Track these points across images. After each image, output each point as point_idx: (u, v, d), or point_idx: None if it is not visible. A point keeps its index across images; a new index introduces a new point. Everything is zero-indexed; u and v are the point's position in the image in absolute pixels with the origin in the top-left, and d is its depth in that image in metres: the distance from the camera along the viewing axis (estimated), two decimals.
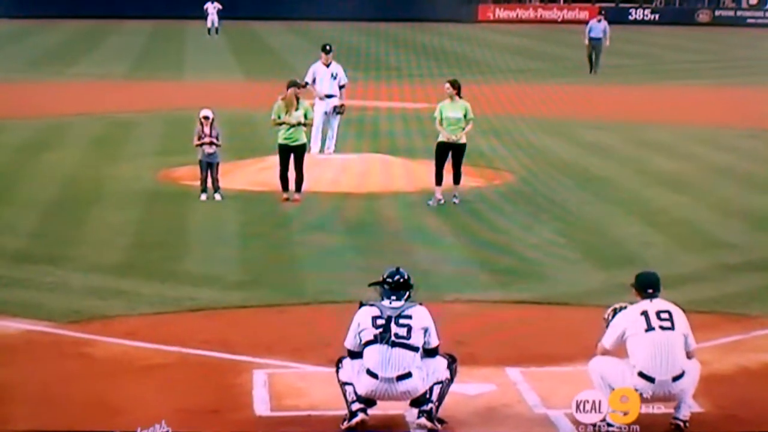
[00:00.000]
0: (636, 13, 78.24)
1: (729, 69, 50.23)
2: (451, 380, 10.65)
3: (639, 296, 10.95)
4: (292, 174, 20.72)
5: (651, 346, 10.56)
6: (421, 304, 10.57)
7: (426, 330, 10.42)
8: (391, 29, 67.04)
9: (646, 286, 10.98)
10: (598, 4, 71.31)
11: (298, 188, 20.72)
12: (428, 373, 10.48)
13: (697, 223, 20.01)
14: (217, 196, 20.98)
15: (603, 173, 24.71)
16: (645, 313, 10.71)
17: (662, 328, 10.61)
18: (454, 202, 20.47)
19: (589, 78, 45.00)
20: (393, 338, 10.28)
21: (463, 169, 20.87)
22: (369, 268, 16.73)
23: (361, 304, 10.58)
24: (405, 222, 19.79)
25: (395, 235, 18.75)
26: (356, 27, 66.37)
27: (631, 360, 10.67)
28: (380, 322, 10.32)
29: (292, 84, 20.84)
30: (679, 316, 10.77)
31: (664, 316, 10.71)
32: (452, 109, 20.47)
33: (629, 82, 44.33)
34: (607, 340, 10.86)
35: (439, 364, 10.58)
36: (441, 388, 10.52)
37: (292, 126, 20.54)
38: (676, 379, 10.57)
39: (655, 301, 10.85)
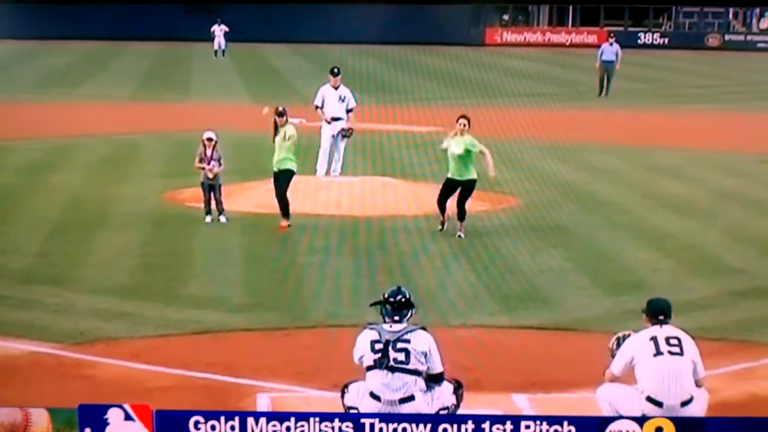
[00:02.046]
0: (645, 37, 78.31)
1: (739, 94, 50.22)
2: (457, 406, 10.63)
3: (649, 322, 10.91)
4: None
5: (659, 371, 10.52)
6: (423, 328, 10.51)
7: (426, 355, 10.34)
8: (398, 52, 67.09)
9: (657, 312, 10.96)
10: (606, 28, 71.37)
11: (285, 214, 20.50)
12: (433, 397, 10.46)
13: (705, 249, 19.99)
14: (222, 219, 21.01)
15: (611, 198, 24.71)
16: (654, 339, 10.69)
17: (671, 353, 10.57)
18: (459, 236, 20.03)
19: (596, 102, 45.03)
20: (392, 363, 10.23)
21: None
22: (374, 291, 16.75)
23: (365, 326, 10.56)
24: (410, 245, 19.78)
25: (400, 259, 18.75)
26: (363, 50, 66.43)
27: (639, 385, 10.64)
28: (378, 347, 10.27)
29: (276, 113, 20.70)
30: (688, 343, 10.74)
31: (674, 342, 10.68)
32: (456, 145, 19.92)
33: (638, 106, 44.34)
34: (616, 366, 10.84)
35: (445, 389, 10.56)
36: (447, 414, 10.50)
37: (281, 152, 20.43)
38: (684, 404, 10.51)
39: (665, 327, 10.82)
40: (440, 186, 20.42)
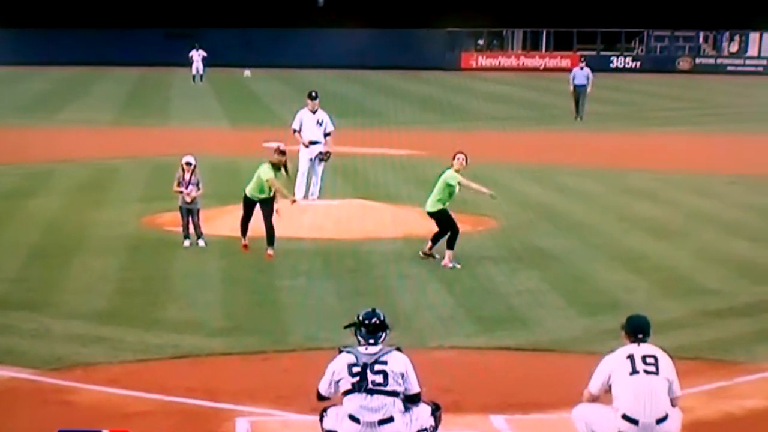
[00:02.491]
0: (617, 61, 78.69)
1: (710, 116, 50.44)
2: (435, 427, 10.53)
3: (628, 339, 10.85)
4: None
5: (634, 390, 10.46)
6: (399, 348, 10.39)
7: (403, 375, 10.23)
8: (375, 77, 67.25)
9: (637, 330, 10.91)
10: (579, 53, 71.69)
11: (271, 243, 20.18)
12: (412, 419, 10.35)
13: (679, 269, 19.97)
14: (201, 243, 20.88)
15: (586, 220, 24.69)
16: (631, 357, 10.63)
17: (646, 372, 10.52)
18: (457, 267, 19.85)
19: (571, 125, 45.12)
20: (370, 386, 10.11)
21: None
22: (353, 315, 16.65)
23: (340, 350, 10.42)
24: (389, 268, 19.69)
25: (379, 281, 18.66)
26: (341, 74, 66.55)
27: (614, 403, 10.56)
28: (356, 370, 10.14)
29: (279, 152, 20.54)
30: (665, 361, 10.69)
31: (650, 360, 10.62)
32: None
33: (611, 129, 44.46)
34: (594, 385, 10.76)
35: (423, 411, 10.46)
36: None
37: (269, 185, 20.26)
38: (660, 421, 10.46)
39: (643, 345, 10.76)
40: (417, 207, 20.35)
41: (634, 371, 10.53)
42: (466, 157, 19.91)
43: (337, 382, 10.24)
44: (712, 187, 29.58)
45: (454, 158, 19.86)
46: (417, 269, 19.59)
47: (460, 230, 19.79)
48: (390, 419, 10.16)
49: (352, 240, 21.78)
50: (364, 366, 10.15)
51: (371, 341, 10.33)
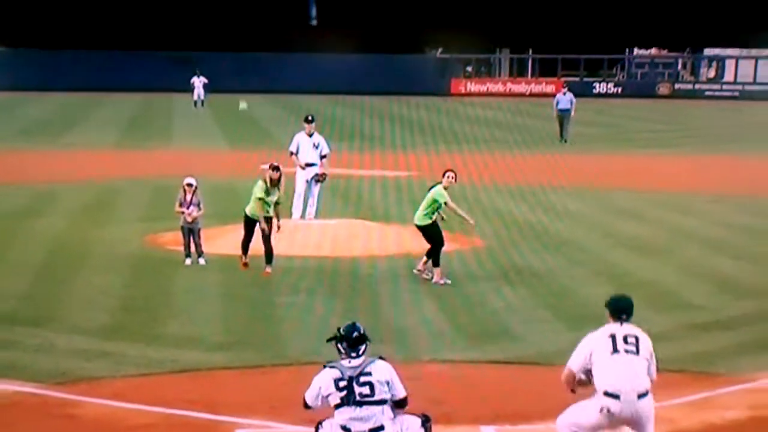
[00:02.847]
0: (600, 87, 78.80)
1: (689, 138, 50.53)
2: None
3: (611, 319, 10.79)
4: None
5: (615, 368, 10.41)
6: (381, 357, 10.28)
7: (388, 383, 10.10)
8: (369, 101, 67.28)
9: (620, 310, 10.84)
10: (563, 78, 71.78)
11: (269, 261, 20.17)
12: (402, 428, 10.22)
13: (663, 285, 19.91)
14: (201, 261, 20.81)
15: (571, 238, 24.63)
16: (613, 336, 10.58)
17: (627, 351, 10.48)
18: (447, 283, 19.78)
19: (556, 147, 45.13)
20: (358, 398, 9.97)
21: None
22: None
23: (325, 366, 10.25)
24: (382, 285, 19.62)
25: (373, 298, 18.59)
26: (336, 99, 66.58)
27: (596, 381, 10.48)
28: (342, 384, 9.99)
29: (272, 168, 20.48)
30: (645, 342, 10.68)
31: (631, 340, 10.58)
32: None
33: (595, 150, 44.48)
34: (574, 362, 10.68)
35: (413, 422, 10.34)
36: None
37: (266, 204, 20.12)
38: (641, 396, 10.40)
39: (626, 325, 10.71)
40: (411, 226, 20.42)
41: (615, 350, 10.47)
42: (455, 174, 20.08)
43: (326, 397, 10.09)
44: (694, 206, 29.56)
45: (443, 176, 19.87)
46: (410, 286, 19.53)
47: (451, 249, 19.73)
48: (381, 428, 10.03)
49: (347, 258, 21.72)
50: (350, 379, 10.01)
51: (353, 354, 10.17)
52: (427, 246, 19.84)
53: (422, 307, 18.04)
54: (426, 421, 10.42)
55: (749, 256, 22.72)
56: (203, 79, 63.58)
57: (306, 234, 23.34)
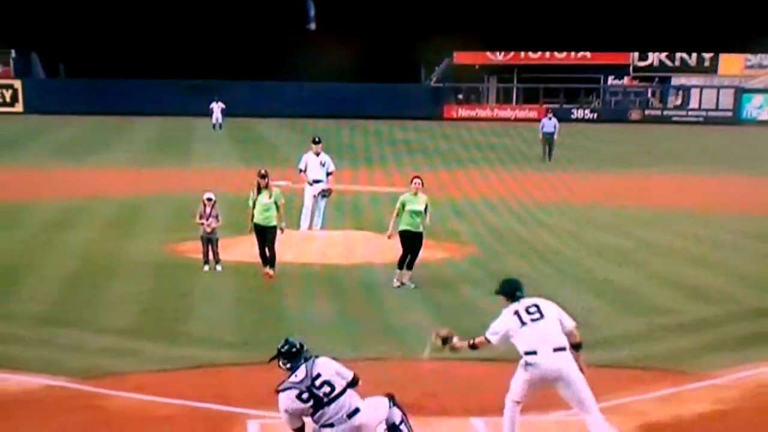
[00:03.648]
0: (577, 113, 78.74)
1: (659, 159, 50.45)
2: (405, 415, 10.35)
3: (509, 301, 11.10)
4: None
5: (527, 336, 10.73)
6: (316, 356, 10.14)
7: (338, 373, 10.03)
8: (370, 125, 67.26)
9: (513, 290, 11.20)
10: (545, 105, 71.75)
11: (272, 265, 20.19)
12: (373, 407, 10.13)
13: (635, 292, 19.84)
14: (218, 267, 20.77)
15: (554, 248, 24.55)
16: (517, 313, 10.89)
17: (533, 320, 10.77)
18: (412, 287, 19.71)
19: (539, 166, 45.11)
20: (325, 399, 9.83)
21: (432, 243, 20.61)
22: (350, 328, 16.54)
23: (278, 391, 10.03)
24: (382, 290, 19.55)
25: (373, 301, 18.53)
26: (340, 123, 66.53)
27: (518, 350, 10.83)
28: (306, 396, 9.83)
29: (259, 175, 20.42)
30: (547, 305, 10.97)
31: (532, 310, 10.86)
32: (416, 203, 19.70)
33: (575, 170, 44.40)
34: (494, 338, 11.02)
35: (381, 402, 10.25)
36: (406, 427, 10.21)
37: (264, 209, 20.07)
38: (557, 350, 10.65)
39: (522, 300, 11.00)
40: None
41: (523, 324, 10.78)
42: (421, 181, 19.90)
43: (299, 414, 9.92)
44: (664, 220, 29.48)
45: (411, 182, 19.85)
46: (406, 291, 19.45)
47: (443, 257, 19.64)
48: (356, 410, 9.92)
49: (350, 265, 21.65)
50: (308, 389, 9.84)
51: (291, 366, 10.01)
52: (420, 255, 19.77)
53: (418, 310, 17.95)
54: (392, 399, 10.40)
55: (711, 265, 22.65)
56: (221, 105, 63.55)
57: (313, 244, 23.29)
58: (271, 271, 20.06)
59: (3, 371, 13.74)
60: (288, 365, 10.07)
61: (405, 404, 10.71)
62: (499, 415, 12.15)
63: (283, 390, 9.94)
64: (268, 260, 20.13)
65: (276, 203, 20.17)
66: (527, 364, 10.75)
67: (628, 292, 19.72)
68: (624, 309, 18.29)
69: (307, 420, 10.04)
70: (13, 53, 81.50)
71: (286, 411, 9.93)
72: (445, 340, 11.24)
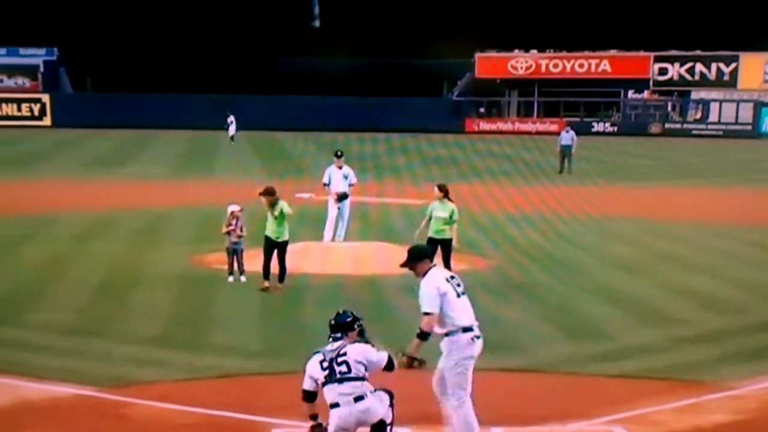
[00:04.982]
0: (598, 126, 78.69)
1: (677, 172, 50.32)
2: (394, 418, 10.52)
3: (429, 263, 10.94)
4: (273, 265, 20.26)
5: (465, 309, 10.75)
6: (361, 341, 10.53)
7: (365, 362, 10.31)
8: (391, 138, 67.35)
9: (428, 255, 11.10)
10: (565, 119, 71.76)
11: (281, 279, 20.16)
12: (379, 398, 10.39)
13: (652, 302, 19.78)
14: (243, 278, 20.84)
15: (572, 259, 24.53)
16: (448, 280, 10.81)
17: (463, 293, 10.85)
18: None
19: (558, 179, 45.09)
20: (338, 375, 10.25)
21: (455, 254, 20.62)
22: (371, 338, 16.52)
23: (315, 352, 10.55)
24: (403, 300, 19.52)
25: (395, 311, 18.52)
26: (362, 136, 66.66)
27: (453, 315, 10.68)
28: (325, 365, 10.32)
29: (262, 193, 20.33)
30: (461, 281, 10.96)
31: (457, 281, 10.87)
32: (440, 209, 20.14)
33: (594, 182, 44.34)
34: (433, 307, 10.71)
35: (385, 397, 10.48)
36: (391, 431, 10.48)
37: (276, 224, 20.02)
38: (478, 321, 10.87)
39: (440, 268, 11.04)
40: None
41: (459, 294, 10.75)
42: (440, 188, 20.35)
43: (315, 379, 10.37)
44: (680, 233, 29.41)
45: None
46: None
47: (462, 268, 19.67)
48: (362, 396, 10.22)
49: (372, 276, 21.69)
50: (330, 360, 10.30)
51: (332, 338, 10.50)
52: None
53: None
54: (391, 398, 10.58)
55: (727, 276, 22.57)
56: (232, 118, 63.91)
57: (336, 254, 23.36)
58: (279, 285, 20.03)
59: (30, 380, 13.81)
60: (329, 335, 10.59)
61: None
62: (520, 425, 12.16)
63: (316, 352, 10.48)
64: (278, 274, 20.09)
65: (283, 216, 20.03)
66: (474, 338, 10.65)
67: (645, 303, 19.66)
68: (641, 319, 18.24)
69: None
70: (41, 68, 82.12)
71: (309, 370, 10.44)
72: (411, 363, 10.93)
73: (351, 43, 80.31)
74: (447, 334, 10.79)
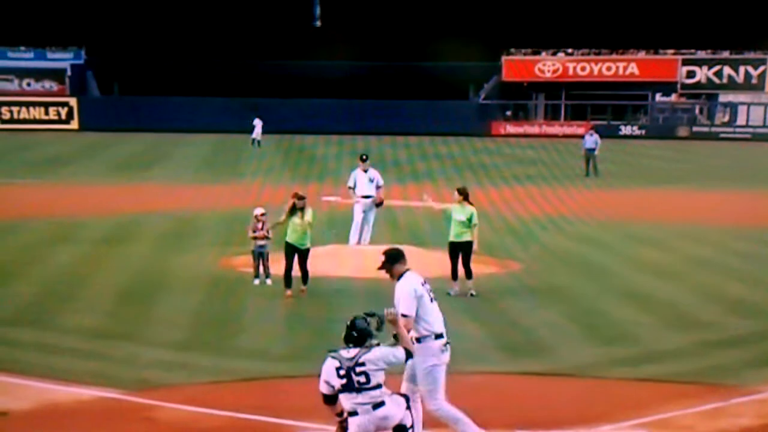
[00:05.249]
0: (625, 129, 78.29)
1: (705, 175, 50.06)
2: (413, 420, 10.38)
3: (403, 268, 10.86)
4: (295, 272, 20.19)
5: (437, 315, 10.70)
6: (378, 344, 10.17)
7: (385, 366, 10.03)
8: (417, 142, 67.32)
9: (403, 257, 10.95)
10: (593, 122, 71.46)
11: (305, 281, 20.11)
12: (396, 403, 10.19)
13: (679, 306, 19.70)
14: (268, 281, 20.90)
15: (599, 263, 24.46)
16: (423, 284, 10.76)
17: (434, 298, 10.83)
18: (471, 295, 19.93)
19: (585, 182, 44.97)
20: (356, 386, 9.98)
21: (480, 258, 20.63)
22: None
23: (328, 353, 10.25)
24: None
25: None
26: (387, 140, 66.66)
27: (428, 320, 10.65)
28: (342, 373, 10.02)
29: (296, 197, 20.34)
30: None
31: (428, 287, 10.82)
32: (459, 213, 20.11)
33: (621, 185, 44.20)
34: (410, 309, 10.65)
35: (401, 401, 10.28)
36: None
37: (300, 231, 19.96)
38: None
39: (414, 272, 10.86)
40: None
41: (431, 299, 10.71)
42: (460, 191, 20.37)
43: (332, 385, 10.12)
44: (708, 236, 29.26)
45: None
46: (452, 304, 19.37)
47: (490, 271, 19.68)
48: (382, 403, 10.01)
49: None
50: (348, 369, 10.00)
51: (351, 345, 10.11)
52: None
53: (462, 323, 17.88)
54: (407, 401, 10.40)
55: (756, 280, 22.44)
56: (260, 122, 63.90)
57: (362, 258, 23.33)
58: (304, 287, 20.03)
59: (57, 383, 13.89)
60: (344, 340, 10.24)
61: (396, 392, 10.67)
62: (544, 429, 12.13)
63: (331, 356, 10.14)
64: (302, 277, 20.09)
65: (310, 225, 20.04)
66: (446, 344, 10.64)
67: (671, 306, 19.58)
68: (667, 323, 18.17)
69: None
70: (68, 71, 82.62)
71: (325, 375, 10.13)
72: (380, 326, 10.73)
73: (375, 46, 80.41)
74: (419, 340, 10.72)
